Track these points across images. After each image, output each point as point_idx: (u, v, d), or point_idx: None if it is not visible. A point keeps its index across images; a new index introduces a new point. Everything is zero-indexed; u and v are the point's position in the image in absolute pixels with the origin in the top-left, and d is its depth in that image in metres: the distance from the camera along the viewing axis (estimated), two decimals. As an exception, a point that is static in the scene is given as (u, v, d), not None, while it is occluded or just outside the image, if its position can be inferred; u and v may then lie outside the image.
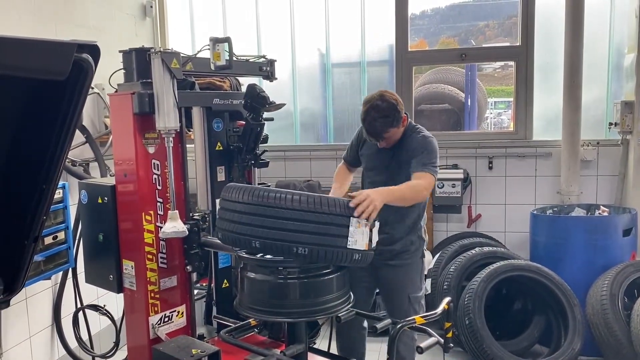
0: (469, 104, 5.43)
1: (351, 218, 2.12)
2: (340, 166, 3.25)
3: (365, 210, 2.16)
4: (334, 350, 3.01)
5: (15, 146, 1.71)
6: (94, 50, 1.52)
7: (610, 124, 4.44)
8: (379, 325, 2.33)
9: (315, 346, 2.87)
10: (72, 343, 3.66)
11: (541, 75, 4.68)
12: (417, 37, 5.25)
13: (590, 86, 4.49)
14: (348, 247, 2.12)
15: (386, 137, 2.80)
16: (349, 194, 2.35)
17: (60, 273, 3.51)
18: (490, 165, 4.71)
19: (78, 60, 1.48)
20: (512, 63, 4.83)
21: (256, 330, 2.75)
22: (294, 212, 2.08)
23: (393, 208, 2.63)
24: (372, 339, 3.31)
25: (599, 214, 4.24)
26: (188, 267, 2.75)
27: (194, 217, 2.76)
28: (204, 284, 3.17)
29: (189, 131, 2.90)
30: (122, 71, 2.71)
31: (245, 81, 3.13)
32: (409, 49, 4.87)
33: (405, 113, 2.85)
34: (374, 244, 2.26)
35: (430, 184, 2.68)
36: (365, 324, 3.14)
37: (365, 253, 2.19)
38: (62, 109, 1.61)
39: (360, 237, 2.15)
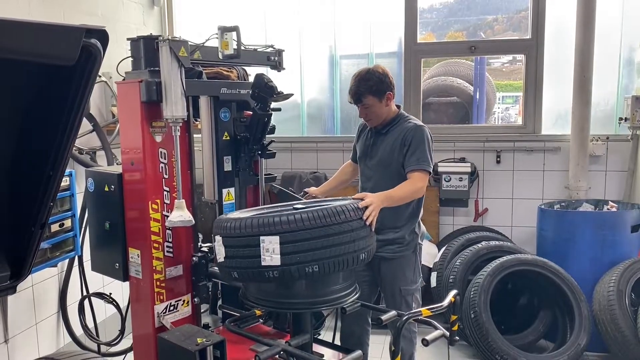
0: (478, 97, 5.38)
1: (260, 237, 2.08)
2: (347, 162, 3.35)
3: (370, 215, 2.28)
4: (338, 341, 3.00)
5: (22, 132, 1.70)
6: (102, 36, 1.50)
7: (621, 119, 4.40)
8: (385, 317, 2.33)
9: (319, 337, 2.88)
10: (78, 330, 3.68)
11: (551, 68, 4.63)
12: (425, 31, 5.21)
13: (600, 81, 4.44)
14: (263, 265, 2.08)
15: (365, 104, 2.88)
16: (354, 196, 2.39)
17: (67, 261, 3.53)
18: (498, 159, 4.68)
19: (86, 45, 1.46)
20: (520, 57, 4.78)
21: (261, 320, 2.76)
22: (231, 239, 2.18)
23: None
24: (376, 331, 3.30)
25: (607, 209, 4.21)
26: (196, 299, 2.77)
27: (202, 249, 2.77)
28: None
29: (196, 121, 2.89)
30: (130, 59, 2.70)
31: (252, 71, 3.11)
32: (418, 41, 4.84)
33: (397, 105, 3.00)
34: None
35: (426, 179, 2.83)
36: (370, 319, 3.14)
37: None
38: (70, 95, 1.60)
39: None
